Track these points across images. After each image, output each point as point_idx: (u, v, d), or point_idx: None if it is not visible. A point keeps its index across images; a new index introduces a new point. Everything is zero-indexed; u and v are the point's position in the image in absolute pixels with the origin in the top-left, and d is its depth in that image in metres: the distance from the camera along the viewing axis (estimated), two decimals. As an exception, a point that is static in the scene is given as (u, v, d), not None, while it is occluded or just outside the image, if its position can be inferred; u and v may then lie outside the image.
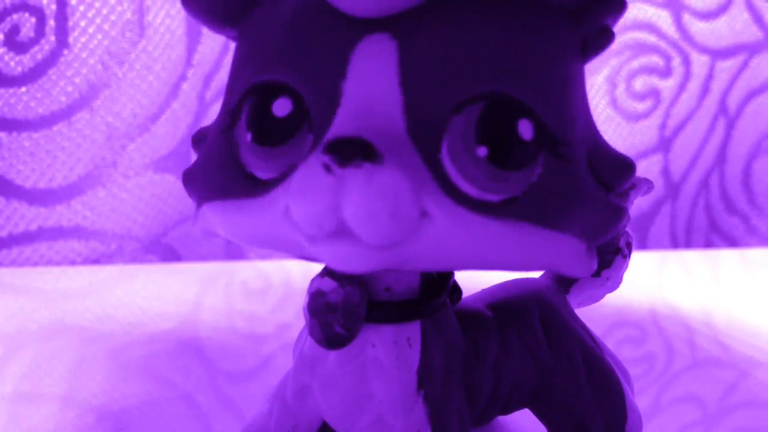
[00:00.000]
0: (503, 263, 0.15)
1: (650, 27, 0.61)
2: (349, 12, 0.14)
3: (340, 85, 0.14)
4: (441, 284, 0.19)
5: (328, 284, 0.17)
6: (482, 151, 0.14)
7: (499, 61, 0.14)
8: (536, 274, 0.23)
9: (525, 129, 0.14)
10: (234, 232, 0.16)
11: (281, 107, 0.15)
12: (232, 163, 0.16)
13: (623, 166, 0.16)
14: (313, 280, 0.18)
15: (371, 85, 0.14)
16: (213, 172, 0.16)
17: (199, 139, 0.18)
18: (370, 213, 0.13)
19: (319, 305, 0.17)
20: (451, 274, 0.19)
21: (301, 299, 0.42)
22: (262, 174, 0.15)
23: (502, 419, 0.26)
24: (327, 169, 0.13)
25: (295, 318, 0.39)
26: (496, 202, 0.14)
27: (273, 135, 0.15)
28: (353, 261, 0.14)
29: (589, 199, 0.15)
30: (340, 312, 0.17)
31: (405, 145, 0.14)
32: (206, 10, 0.17)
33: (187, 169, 0.18)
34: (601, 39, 0.15)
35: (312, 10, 0.15)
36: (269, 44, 0.16)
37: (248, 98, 0.16)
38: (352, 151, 0.13)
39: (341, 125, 0.14)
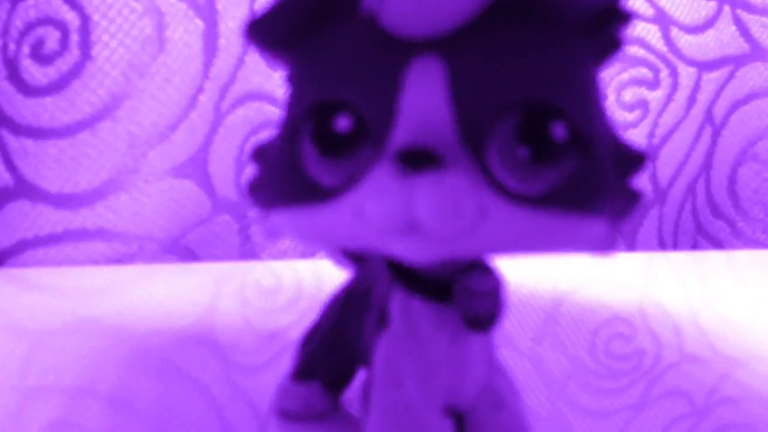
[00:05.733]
0: (547, 248, 0.16)
1: (639, 41, 0.62)
2: (401, 35, 0.16)
3: (396, 101, 0.15)
4: None
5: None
6: (523, 151, 0.15)
7: (532, 73, 0.15)
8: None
9: (559, 130, 0.15)
10: (303, 234, 0.18)
11: (343, 122, 0.16)
12: (296, 174, 0.17)
13: (638, 156, 0.18)
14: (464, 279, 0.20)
15: (425, 100, 0.15)
16: (279, 183, 0.18)
17: (258, 153, 0.19)
18: (439, 211, 0.14)
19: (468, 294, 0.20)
20: None
21: (310, 297, 0.43)
22: (326, 182, 0.17)
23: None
24: (400, 175, 0.14)
25: (305, 314, 0.40)
26: (538, 195, 0.15)
27: (337, 147, 0.16)
28: (422, 253, 0.15)
29: (612, 186, 0.17)
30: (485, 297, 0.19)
31: (459, 151, 0.15)
32: (266, 39, 0.18)
33: (251, 181, 0.19)
34: (614, 47, 0.17)
35: (367, 35, 0.16)
36: (328, 67, 0.17)
37: (310, 115, 0.17)
38: (421, 159, 0.14)
39: (402, 136, 0.15)
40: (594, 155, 0.16)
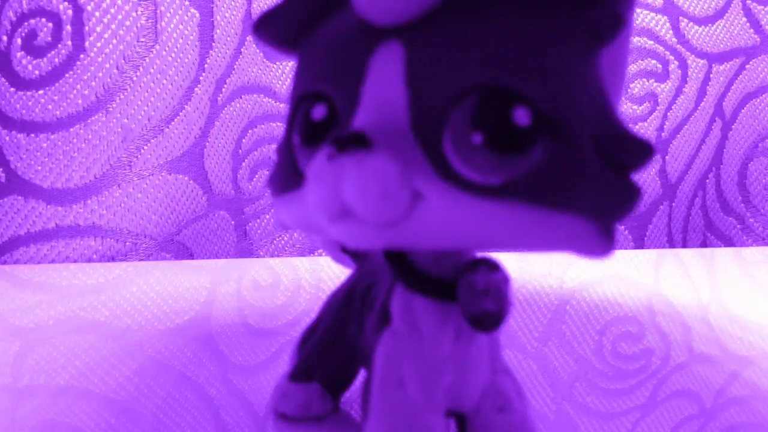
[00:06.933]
0: (510, 243, 0.15)
1: (648, 32, 0.62)
2: (372, 22, 0.16)
3: (359, 88, 0.16)
4: None
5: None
6: (477, 137, 0.15)
7: (492, 56, 0.15)
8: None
9: (520, 115, 0.15)
10: (295, 222, 0.18)
11: (318, 112, 0.17)
12: (290, 164, 0.18)
13: (640, 147, 0.16)
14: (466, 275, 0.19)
15: (382, 86, 0.16)
16: (280, 173, 0.19)
17: (278, 147, 0.20)
18: (363, 193, 0.14)
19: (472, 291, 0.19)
20: None
21: (309, 296, 0.43)
22: (305, 170, 0.17)
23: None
24: (329, 158, 0.15)
25: (303, 313, 0.40)
26: (497, 185, 0.15)
27: (313, 136, 0.17)
28: (359, 238, 0.15)
29: (595, 180, 0.15)
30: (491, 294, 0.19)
31: (405, 137, 0.15)
32: (271, 37, 0.19)
33: (269, 175, 0.20)
34: (613, 26, 0.16)
35: (347, 27, 0.17)
36: (315, 60, 0.18)
37: (299, 107, 0.18)
38: (347, 141, 0.14)
39: (357, 123, 0.16)
40: (570, 144, 0.15)
